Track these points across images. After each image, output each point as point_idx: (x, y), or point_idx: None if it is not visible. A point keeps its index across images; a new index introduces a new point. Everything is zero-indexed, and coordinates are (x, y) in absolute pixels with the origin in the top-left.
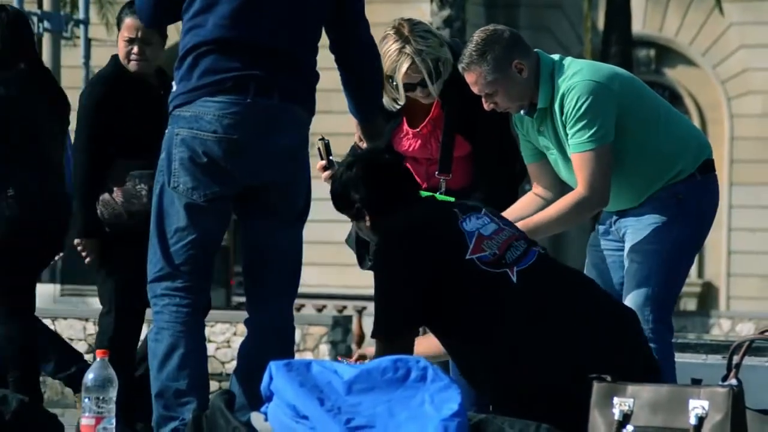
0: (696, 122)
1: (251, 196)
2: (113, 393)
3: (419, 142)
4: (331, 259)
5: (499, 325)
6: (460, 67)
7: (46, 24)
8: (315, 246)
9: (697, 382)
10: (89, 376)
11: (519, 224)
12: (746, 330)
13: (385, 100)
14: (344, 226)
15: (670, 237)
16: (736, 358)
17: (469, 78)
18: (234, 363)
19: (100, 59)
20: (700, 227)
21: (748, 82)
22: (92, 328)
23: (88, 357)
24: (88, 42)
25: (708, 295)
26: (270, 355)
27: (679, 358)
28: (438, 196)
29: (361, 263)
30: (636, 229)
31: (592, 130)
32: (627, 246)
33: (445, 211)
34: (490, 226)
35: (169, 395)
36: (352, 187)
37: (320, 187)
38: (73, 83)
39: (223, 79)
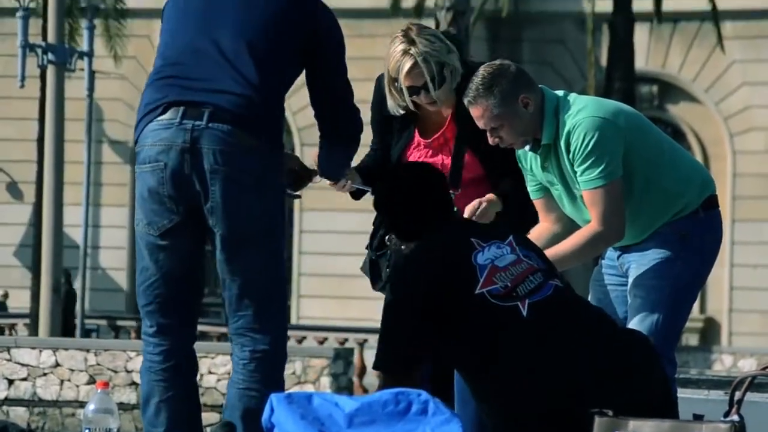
0: (698, 158)
1: (200, 223)
2: (114, 424)
3: (429, 153)
4: (332, 291)
5: (504, 359)
6: (465, 101)
7: (50, 56)
8: (316, 278)
9: (699, 418)
10: (90, 407)
11: None
12: (748, 366)
13: (390, 104)
14: (344, 258)
15: (674, 273)
16: (738, 394)
17: (475, 112)
18: None
19: (104, 91)
20: (704, 263)
21: (751, 119)
22: (93, 359)
23: (89, 388)
24: (92, 74)
25: (710, 331)
26: (250, 387)
27: (681, 393)
28: None
29: (374, 285)
30: (640, 264)
31: (601, 167)
32: (630, 281)
33: (461, 243)
34: (508, 257)
35: None
36: (382, 211)
37: (320, 220)
38: (76, 115)
39: (156, 106)
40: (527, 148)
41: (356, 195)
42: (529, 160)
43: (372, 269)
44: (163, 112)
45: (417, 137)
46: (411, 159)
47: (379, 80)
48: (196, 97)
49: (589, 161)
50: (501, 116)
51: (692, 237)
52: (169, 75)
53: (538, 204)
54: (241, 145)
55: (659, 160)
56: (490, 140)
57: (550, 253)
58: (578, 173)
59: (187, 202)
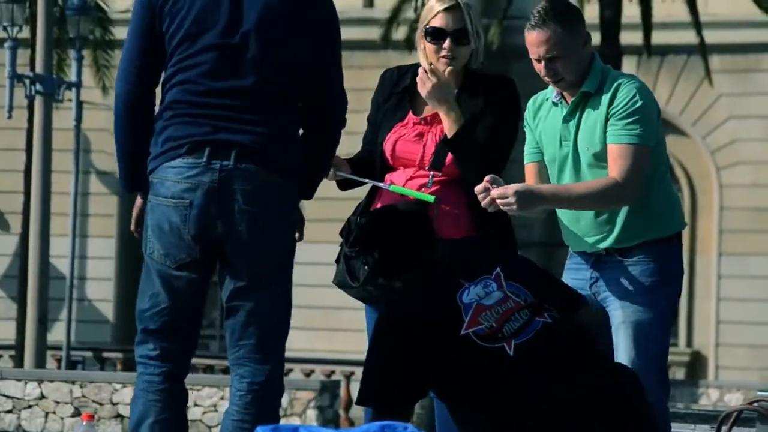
0: (686, 192)
1: (218, 258)
2: None
3: (417, 130)
4: (319, 323)
5: (490, 401)
6: (529, 24)
7: (38, 87)
8: (303, 310)
9: None
10: None
11: (551, 188)
12: (735, 400)
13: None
14: (330, 290)
15: (658, 303)
16: (724, 429)
17: (541, 35)
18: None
19: (91, 122)
20: (677, 291)
21: (738, 153)
22: (78, 391)
23: (74, 420)
24: (79, 104)
25: (696, 365)
26: (244, 419)
27: None
28: (408, 191)
29: (349, 287)
30: (621, 295)
31: (642, 127)
32: (618, 313)
33: (446, 282)
34: (495, 294)
35: None
36: (362, 255)
37: (310, 252)
38: (64, 146)
39: (180, 144)
40: (558, 93)
41: (343, 185)
42: (541, 112)
43: (347, 268)
44: (188, 152)
45: (410, 115)
46: (396, 135)
47: (383, 77)
48: (222, 136)
49: (632, 118)
50: (565, 45)
51: (670, 265)
52: (191, 113)
53: (531, 168)
54: (265, 184)
55: (660, 174)
56: (543, 71)
57: (563, 188)
58: (616, 125)
59: (208, 241)
